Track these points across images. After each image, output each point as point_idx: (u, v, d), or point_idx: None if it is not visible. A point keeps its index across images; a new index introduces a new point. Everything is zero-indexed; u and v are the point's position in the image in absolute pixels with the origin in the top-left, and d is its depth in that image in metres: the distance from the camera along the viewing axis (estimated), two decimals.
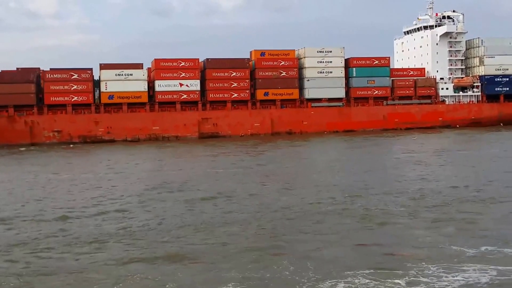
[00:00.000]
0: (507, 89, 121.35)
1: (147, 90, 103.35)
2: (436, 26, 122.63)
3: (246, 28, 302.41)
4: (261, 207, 31.85)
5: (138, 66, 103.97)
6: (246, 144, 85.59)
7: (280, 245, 23.66)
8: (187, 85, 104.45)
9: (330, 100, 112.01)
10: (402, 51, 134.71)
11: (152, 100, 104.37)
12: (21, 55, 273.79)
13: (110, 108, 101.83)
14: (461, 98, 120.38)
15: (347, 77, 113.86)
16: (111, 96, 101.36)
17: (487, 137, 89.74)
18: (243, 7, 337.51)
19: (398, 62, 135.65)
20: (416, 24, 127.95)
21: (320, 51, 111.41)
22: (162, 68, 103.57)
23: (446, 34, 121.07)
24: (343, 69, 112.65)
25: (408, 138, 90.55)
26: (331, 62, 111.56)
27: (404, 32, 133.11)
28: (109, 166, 58.54)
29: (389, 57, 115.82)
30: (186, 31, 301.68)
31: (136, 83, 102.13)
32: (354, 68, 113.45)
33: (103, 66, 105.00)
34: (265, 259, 21.69)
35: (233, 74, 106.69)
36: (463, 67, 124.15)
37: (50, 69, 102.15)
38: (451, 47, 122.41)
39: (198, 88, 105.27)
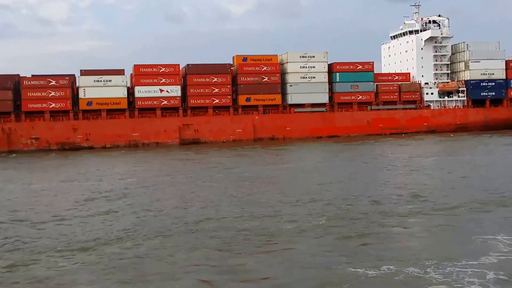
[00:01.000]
0: (493, 93, 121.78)
1: (126, 96, 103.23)
2: (421, 31, 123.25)
3: (258, 33, 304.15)
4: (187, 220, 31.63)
5: (118, 72, 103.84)
6: (223, 152, 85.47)
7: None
8: (167, 91, 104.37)
9: (314, 105, 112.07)
10: (389, 56, 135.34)
11: (132, 106, 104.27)
12: (32, 61, 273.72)
13: (89, 115, 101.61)
14: (446, 103, 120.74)
15: (331, 82, 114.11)
16: (89, 103, 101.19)
17: (469, 143, 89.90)
18: (254, 12, 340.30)
19: (386, 67, 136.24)
20: (402, 29, 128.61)
21: (303, 56, 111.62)
22: (142, 74, 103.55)
23: (431, 39, 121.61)
24: (327, 74, 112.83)
25: (390, 143, 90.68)
26: (314, 67, 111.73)
27: (391, 37, 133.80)
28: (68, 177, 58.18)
29: (373, 62, 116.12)
30: (198, 37, 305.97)
31: (115, 89, 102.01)
32: (337, 73, 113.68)
33: (84, 72, 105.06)
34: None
35: (214, 80, 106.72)
36: (449, 71, 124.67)
37: (32, 75, 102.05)
38: (436, 51, 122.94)
39: (179, 94, 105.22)
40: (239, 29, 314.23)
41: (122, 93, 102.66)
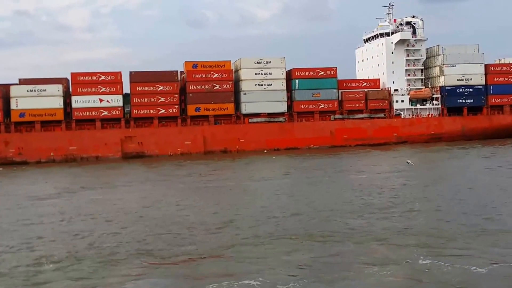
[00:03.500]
0: (471, 101, 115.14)
1: (63, 106, 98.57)
2: (393, 33, 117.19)
3: (283, 38, 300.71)
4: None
5: (54, 81, 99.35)
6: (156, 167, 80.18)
7: None
8: (107, 101, 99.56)
9: (270, 115, 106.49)
10: (362, 60, 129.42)
11: (69, 117, 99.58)
12: (52, 68, 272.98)
13: (21, 127, 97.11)
14: (418, 111, 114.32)
15: (290, 89, 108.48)
16: (22, 114, 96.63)
17: (433, 156, 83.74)
18: (280, 16, 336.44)
19: (359, 72, 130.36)
20: (373, 32, 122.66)
21: (258, 62, 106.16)
22: (80, 82, 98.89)
23: (402, 42, 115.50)
24: (285, 81, 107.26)
25: (354, 156, 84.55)
26: (270, 73, 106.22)
27: (364, 40, 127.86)
28: None
29: (336, 68, 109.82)
30: (222, 42, 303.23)
31: (50, 99, 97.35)
32: (296, 80, 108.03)
33: (22, 81, 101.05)
34: None
35: (160, 88, 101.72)
36: (423, 77, 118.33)
37: None
38: (408, 55, 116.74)
39: (121, 103, 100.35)
40: (264, 34, 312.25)
41: (58, 103, 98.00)
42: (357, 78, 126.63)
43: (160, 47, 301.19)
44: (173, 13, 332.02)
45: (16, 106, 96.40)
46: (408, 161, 66.22)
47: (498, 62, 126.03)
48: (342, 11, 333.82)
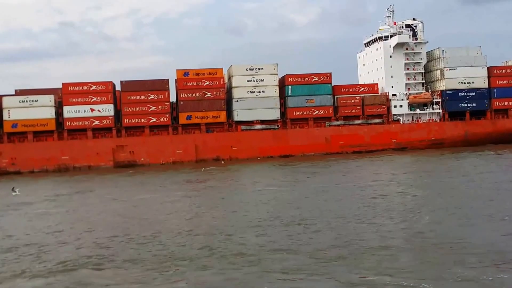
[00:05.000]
0: (474, 105, 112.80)
1: (54, 117, 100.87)
2: (391, 37, 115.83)
3: (323, 43, 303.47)
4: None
5: (45, 91, 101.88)
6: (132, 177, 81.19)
7: None
8: (99, 110, 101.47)
9: (263, 122, 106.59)
10: (364, 65, 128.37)
11: (61, 127, 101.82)
12: (96, 78, 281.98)
13: (14, 138, 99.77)
14: (418, 116, 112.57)
15: (284, 96, 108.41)
16: (14, 125, 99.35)
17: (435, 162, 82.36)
18: (318, 21, 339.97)
19: (361, 77, 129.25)
20: (372, 35, 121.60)
21: (250, 69, 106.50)
22: (71, 92, 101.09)
23: (401, 45, 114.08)
24: (277, 87, 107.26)
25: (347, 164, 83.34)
26: (263, 80, 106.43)
27: (364, 44, 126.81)
28: None
29: (331, 73, 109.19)
30: (261, 49, 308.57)
31: (42, 110, 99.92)
32: (289, 86, 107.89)
33: (18, 92, 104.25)
34: None
35: (150, 97, 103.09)
36: (424, 81, 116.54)
37: None
38: (407, 59, 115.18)
39: (112, 113, 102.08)
40: (303, 40, 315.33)
41: (50, 113, 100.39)
42: (360, 83, 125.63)
43: (202, 55, 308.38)
44: (213, 22, 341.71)
45: (9, 117, 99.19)
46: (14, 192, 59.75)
47: (506, 64, 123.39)
48: (382, 14, 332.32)
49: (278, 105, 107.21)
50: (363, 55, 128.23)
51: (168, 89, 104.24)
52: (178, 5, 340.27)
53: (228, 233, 33.61)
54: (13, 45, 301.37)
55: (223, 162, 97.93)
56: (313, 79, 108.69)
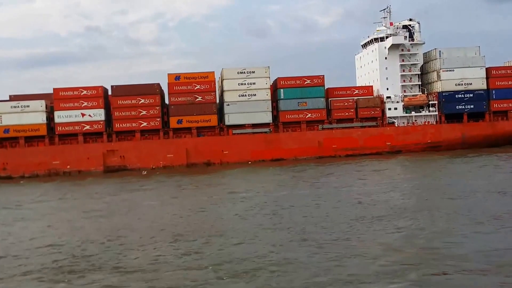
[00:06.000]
0: (471, 106, 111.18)
1: (45, 122, 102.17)
2: (387, 38, 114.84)
3: (343, 43, 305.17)
4: None
5: (37, 97, 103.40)
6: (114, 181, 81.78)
7: None
8: (90, 115, 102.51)
9: (255, 126, 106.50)
10: (361, 67, 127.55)
11: (53, 132, 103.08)
12: (121, 82, 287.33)
13: (6, 143, 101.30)
14: (414, 119, 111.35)
15: (276, 99, 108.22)
16: (6, 130, 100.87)
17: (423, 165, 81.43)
18: (341, 22, 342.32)
19: (359, 79, 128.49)
20: (368, 37, 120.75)
21: (241, 72, 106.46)
22: (62, 97, 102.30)
23: (396, 46, 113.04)
24: (269, 90, 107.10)
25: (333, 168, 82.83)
26: (254, 83, 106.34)
27: (361, 46, 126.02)
28: None
29: (323, 76, 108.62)
30: (284, 50, 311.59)
31: (33, 115, 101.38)
32: (282, 89, 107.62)
33: (13, 98, 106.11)
34: None
35: (141, 101, 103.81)
36: (420, 83, 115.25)
37: None
38: (403, 60, 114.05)
39: (103, 117, 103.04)
40: (326, 40, 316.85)
41: (41, 119, 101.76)
42: (357, 85, 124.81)
43: (226, 57, 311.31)
44: (236, 24, 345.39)
45: (1, 122, 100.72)
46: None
47: (507, 65, 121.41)
48: (406, 14, 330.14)
49: (270, 109, 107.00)
50: (360, 57, 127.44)
51: (159, 93, 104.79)
52: (201, 8, 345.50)
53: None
54: (41, 50, 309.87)
55: (144, 173, 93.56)
56: (306, 82, 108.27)
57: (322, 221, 38.25)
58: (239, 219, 41.06)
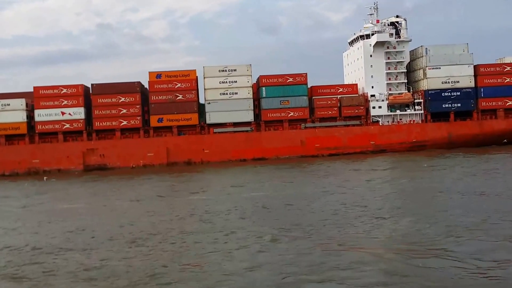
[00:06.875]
0: (459, 105, 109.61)
1: (26, 120, 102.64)
2: (373, 35, 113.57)
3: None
4: None
5: (17, 95, 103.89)
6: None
7: None
8: (70, 114, 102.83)
9: (236, 124, 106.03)
10: (348, 65, 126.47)
11: (33, 131, 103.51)
12: (131, 79, 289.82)
13: None
14: (399, 117, 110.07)
15: (259, 98, 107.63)
16: None
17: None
18: (352, 19, 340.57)
19: (346, 77, 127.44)
20: (355, 34, 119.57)
21: (223, 70, 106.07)
22: (42, 96, 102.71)
23: (381, 44, 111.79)
24: (251, 89, 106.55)
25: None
26: (236, 81, 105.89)
27: (348, 43, 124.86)
28: None
29: (306, 74, 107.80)
30: (295, 47, 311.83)
31: (14, 114, 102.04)
32: (264, 88, 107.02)
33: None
34: None
35: (121, 100, 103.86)
36: (406, 81, 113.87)
37: None
38: (388, 58, 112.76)
39: (83, 116, 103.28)
40: (338, 37, 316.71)
41: (22, 117, 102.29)
42: (345, 83, 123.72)
43: (233, 54, 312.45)
44: (247, 21, 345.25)
45: None
46: None
47: (499, 62, 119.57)
48: (421, 10, 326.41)
49: (252, 107, 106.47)
50: (347, 55, 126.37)
51: (139, 92, 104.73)
52: (213, 5, 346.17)
53: None
54: (54, 47, 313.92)
55: (45, 179, 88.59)
56: (288, 80, 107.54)
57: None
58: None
